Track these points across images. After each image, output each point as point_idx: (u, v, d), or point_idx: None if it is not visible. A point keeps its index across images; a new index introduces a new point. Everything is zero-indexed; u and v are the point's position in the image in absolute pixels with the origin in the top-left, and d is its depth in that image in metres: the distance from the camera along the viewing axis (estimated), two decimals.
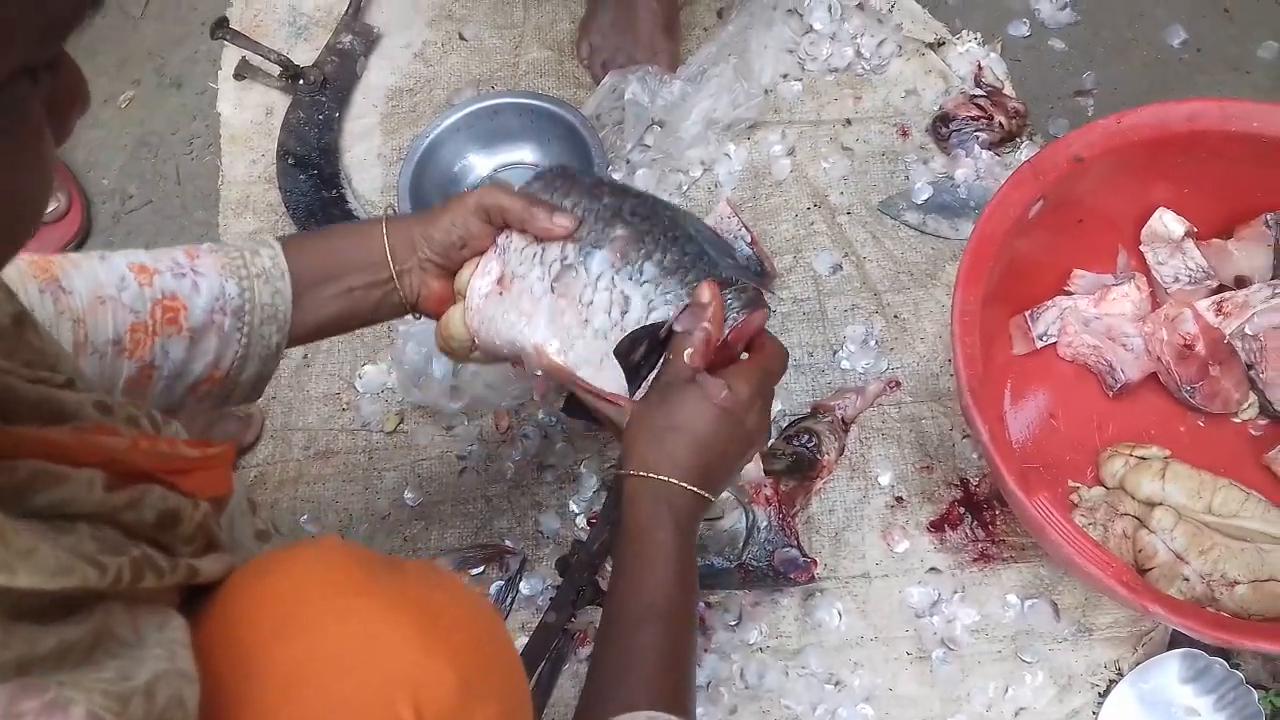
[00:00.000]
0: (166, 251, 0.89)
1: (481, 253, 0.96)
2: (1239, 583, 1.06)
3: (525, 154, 1.46)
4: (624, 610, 0.83)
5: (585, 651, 1.18)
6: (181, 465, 0.67)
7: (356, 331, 1.37)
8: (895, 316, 1.33)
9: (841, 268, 1.36)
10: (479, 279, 0.94)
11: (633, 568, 0.85)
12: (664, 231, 0.94)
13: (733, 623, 1.19)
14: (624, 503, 0.87)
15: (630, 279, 0.92)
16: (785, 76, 1.48)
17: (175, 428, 0.75)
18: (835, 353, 1.31)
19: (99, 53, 1.60)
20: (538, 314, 0.93)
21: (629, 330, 0.91)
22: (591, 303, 0.92)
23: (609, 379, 0.91)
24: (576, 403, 1.27)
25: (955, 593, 1.18)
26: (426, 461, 1.31)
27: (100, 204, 1.51)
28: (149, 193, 1.52)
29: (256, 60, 1.54)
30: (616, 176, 1.42)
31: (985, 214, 1.12)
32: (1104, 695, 1.12)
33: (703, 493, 0.86)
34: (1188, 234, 1.24)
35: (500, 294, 0.94)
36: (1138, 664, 1.12)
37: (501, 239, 0.95)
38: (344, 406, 1.35)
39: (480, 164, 1.45)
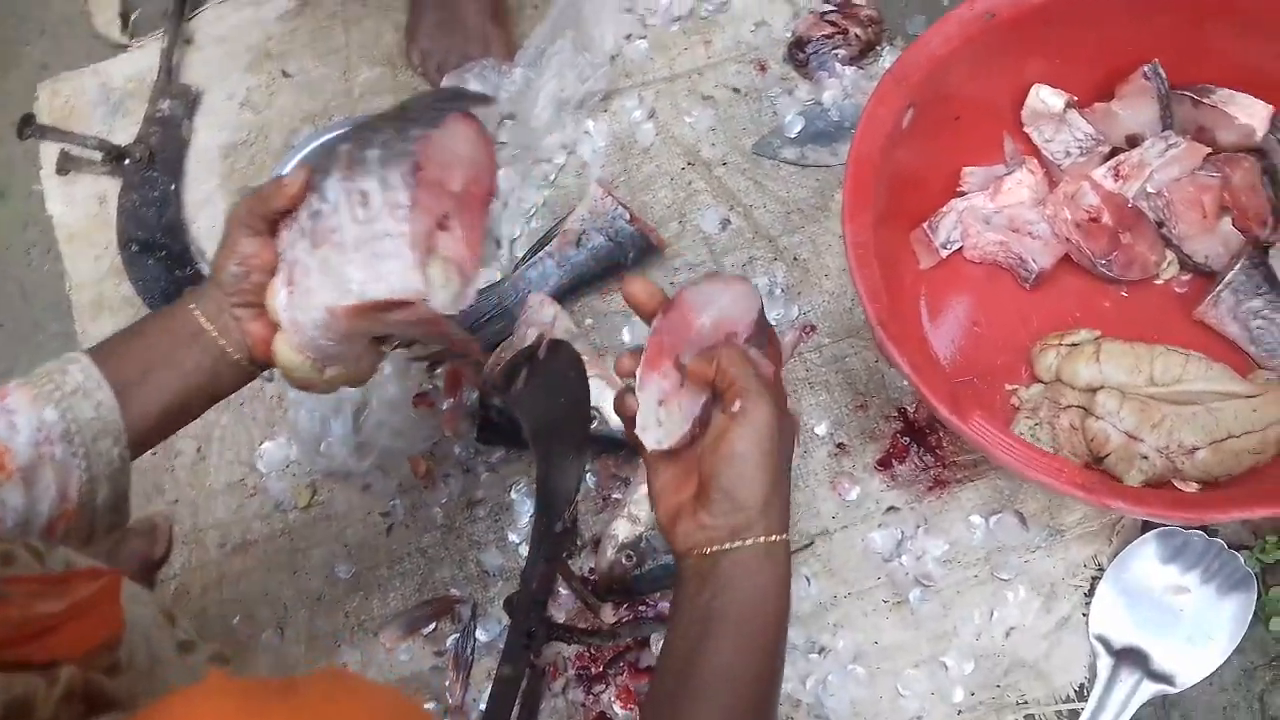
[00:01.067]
0: None
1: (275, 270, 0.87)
2: (1198, 448, 1.02)
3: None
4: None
5: (559, 684, 1.12)
6: (41, 626, 0.60)
7: (247, 412, 1.30)
8: (795, 259, 1.27)
9: (730, 222, 1.30)
10: (273, 293, 0.85)
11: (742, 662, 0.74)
12: (380, 119, 0.86)
13: None
14: (700, 585, 0.75)
15: (361, 175, 0.82)
16: (629, 37, 1.41)
17: (62, 554, 0.72)
18: None
19: None
20: (314, 280, 0.83)
21: (377, 222, 0.80)
22: (340, 226, 0.81)
23: (393, 282, 0.80)
24: (492, 428, 1.20)
25: (918, 527, 1.13)
26: (350, 528, 1.23)
27: None
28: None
29: (76, 150, 1.44)
30: None
31: (856, 136, 1.06)
32: (1089, 594, 1.08)
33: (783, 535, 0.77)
34: (1069, 105, 1.18)
35: (292, 292, 0.84)
36: (1115, 555, 1.08)
37: (278, 242, 0.87)
38: (251, 492, 1.27)
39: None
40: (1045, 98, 1.19)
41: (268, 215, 0.85)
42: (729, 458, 0.74)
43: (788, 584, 0.76)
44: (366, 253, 0.80)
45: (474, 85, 1.34)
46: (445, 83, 1.36)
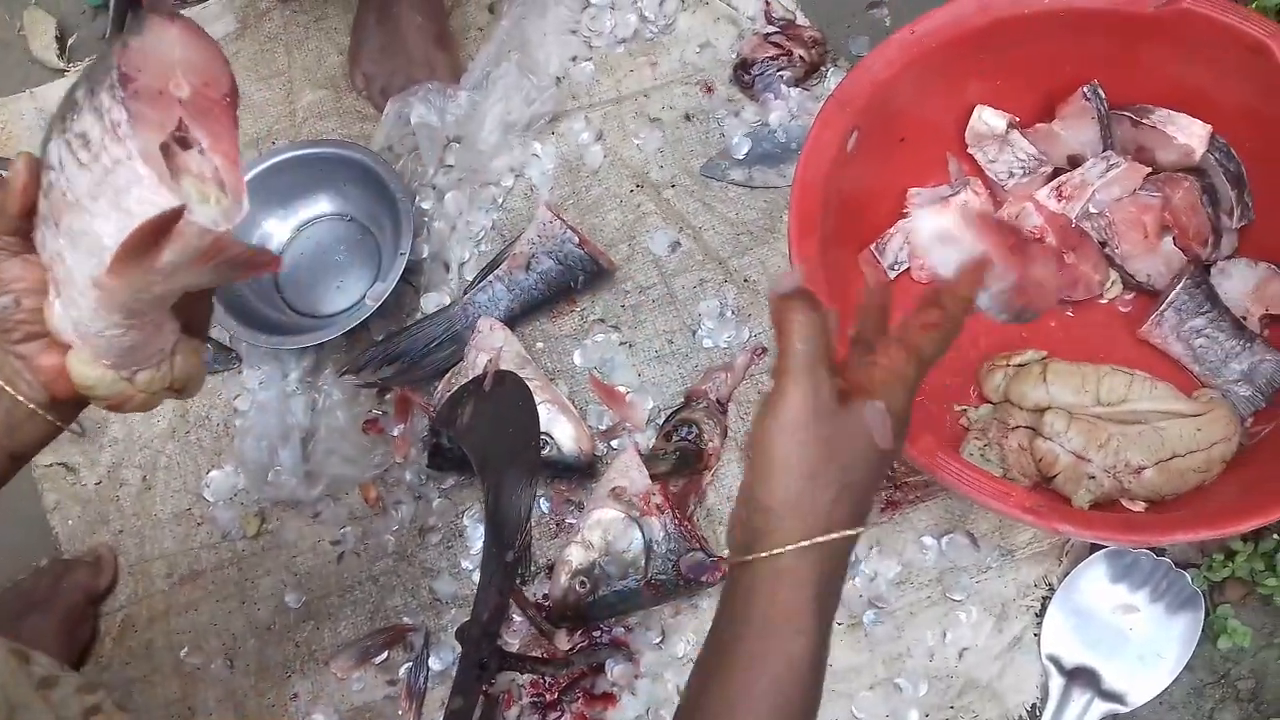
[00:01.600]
0: None
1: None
2: (1144, 468, 1.03)
3: (323, 205, 1.36)
4: None
5: (513, 713, 1.11)
6: None
7: (193, 439, 1.28)
8: (745, 280, 1.27)
9: (680, 244, 1.30)
10: (49, 310, 0.73)
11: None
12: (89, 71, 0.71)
13: (657, 640, 1.13)
14: (721, 608, 0.68)
15: (74, 119, 0.68)
16: (574, 59, 1.40)
17: None
18: (694, 333, 1.25)
19: None
20: (71, 261, 0.70)
21: (103, 155, 0.67)
22: (70, 181, 0.67)
23: (145, 209, 0.65)
24: (443, 455, 1.19)
25: (871, 548, 1.13)
26: (300, 557, 1.22)
27: None
28: None
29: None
30: (425, 205, 1.33)
31: (801, 160, 1.06)
32: (1041, 614, 1.09)
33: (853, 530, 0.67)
34: (1011, 126, 1.20)
35: (60, 294, 0.72)
36: (1065, 575, 1.09)
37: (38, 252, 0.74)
38: (199, 521, 1.25)
39: (279, 229, 1.35)
40: (988, 119, 1.20)
41: (10, 227, 0.71)
42: (752, 446, 0.66)
43: (818, 611, 0.65)
44: (107, 197, 0.67)
45: (419, 108, 1.33)
46: (389, 107, 1.35)
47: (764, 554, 0.64)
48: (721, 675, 0.65)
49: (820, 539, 0.64)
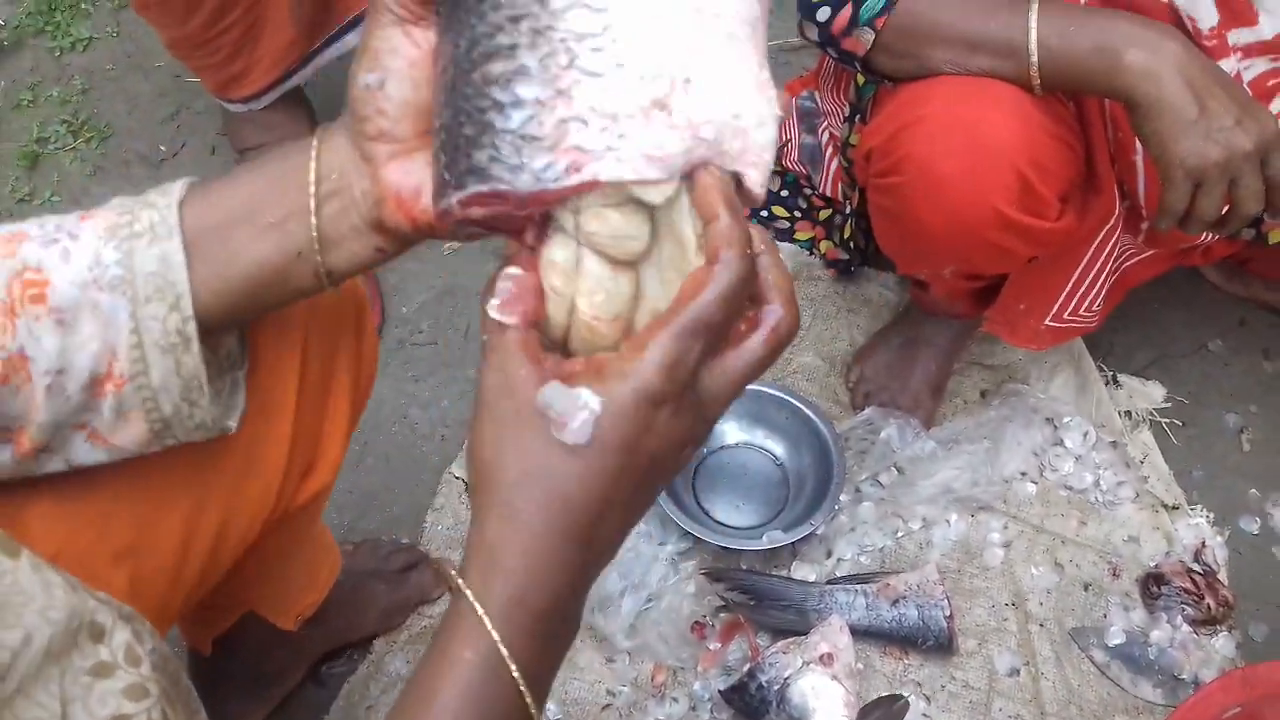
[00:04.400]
0: (57, 217, 0.68)
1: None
2: None
3: (777, 448, 1.57)
4: None
5: None
6: None
7: None
8: None
9: (1019, 673, 1.41)
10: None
11: None
12: None
13: None
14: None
15: None
16: (1023, 474, 1.57)
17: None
18: None
19: None
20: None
21: None
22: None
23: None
24: (742, 697, 1.32)
25: None
26: (578, 683, 1.37)
27: (392, 327, 1.66)
28: (436, 334, 1.67)
29: None
30: (844, 499, 1.51)
31: (1189, 703, 1.17)
32: None
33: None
34: None
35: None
36: None
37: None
38: None
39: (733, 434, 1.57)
40: None
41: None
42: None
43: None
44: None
45: (892, 430, 1.53)
46: (867, 412, 1.56)
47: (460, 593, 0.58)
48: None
49: None
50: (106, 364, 0.67)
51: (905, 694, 1.37)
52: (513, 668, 0.54)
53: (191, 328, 0.66)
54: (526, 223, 0.56)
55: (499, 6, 0.52)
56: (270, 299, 0.69)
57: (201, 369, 0.68)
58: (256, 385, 0.79)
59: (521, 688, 0.54)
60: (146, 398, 0.68)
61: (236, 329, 0.76)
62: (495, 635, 0.53)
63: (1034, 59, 1.08)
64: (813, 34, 1.19)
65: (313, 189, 0.64)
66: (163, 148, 1.88)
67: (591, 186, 0.52)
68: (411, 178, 0.62)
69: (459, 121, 0.54)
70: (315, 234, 0.65)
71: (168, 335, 0.66)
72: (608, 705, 1.36)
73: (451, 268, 1.73)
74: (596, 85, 0.52)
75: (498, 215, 0.54)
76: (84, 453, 0.70)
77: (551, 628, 0.56)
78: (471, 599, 0.54)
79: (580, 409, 0.53)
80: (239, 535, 0.87)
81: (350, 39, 1.65)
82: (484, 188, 0.53)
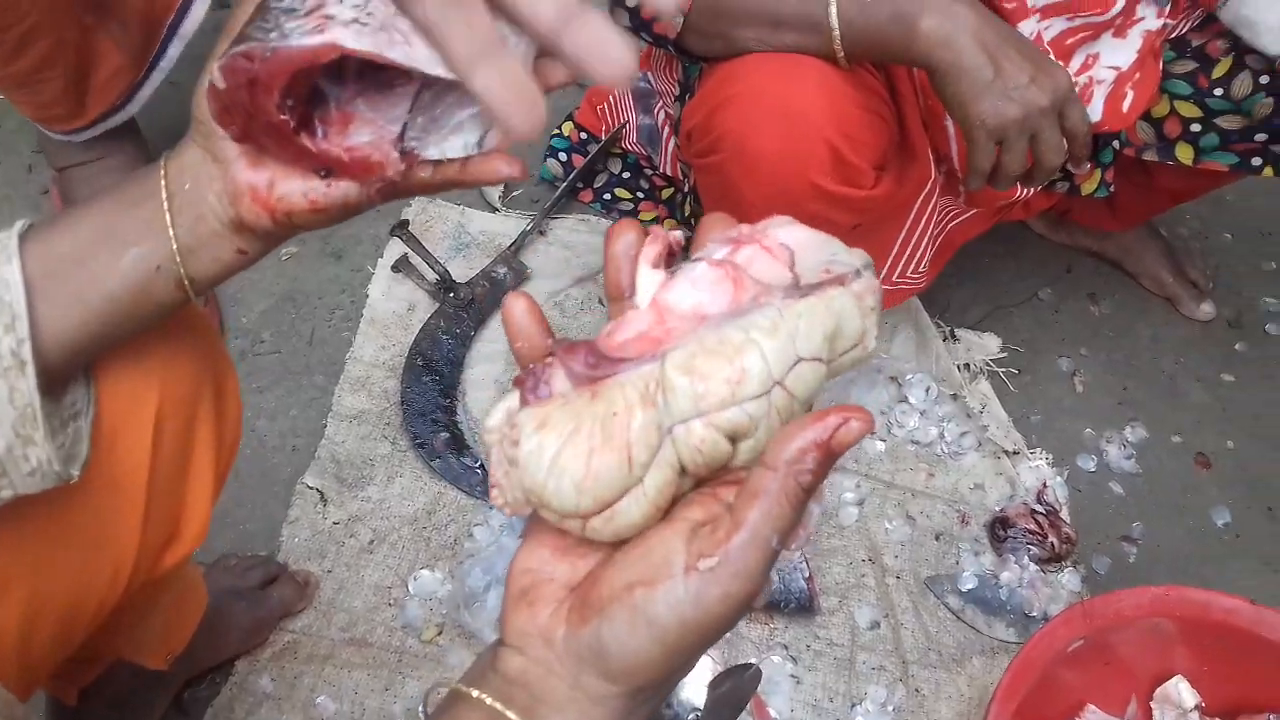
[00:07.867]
0: None
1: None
2: None
3: None
4: None
5: None
6: None
7: (425, 534, 1.46)
8: (916, 690, 1.41)
9: (879, 626, 1.46)
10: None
11: None
12: None
13: None
14: None
15: None
16: (872, 434, 1.62)
17: None
18: (854, 706, 1.39)
19: None
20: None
21: None
22: None
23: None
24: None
25: None
26: (454, 680, 1.36)
27: (233, 339, 1.62)
28: (280, 343, 1.63)
29: (417, 260, 1.68)
30: None
31: (1033, 640, 1.22)
32: None
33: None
34: (1196, 707, 1.33)
35: None
36: None
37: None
38: (391, 602, 1.41)
39: None
40: (1182, 690, 1.33)
41: None
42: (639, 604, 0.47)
43: None
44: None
45: None
46: None
47: None
48: None
49: None
50: None
51: (771, 658, 1.41)
52: None
53: (27, 350, 0.63)
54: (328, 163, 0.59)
55: None
56: (134, 318, 0.67)
57: (37, 397, 0.64)
58: (106, 458, 0.76)
59: None
60: None
61: (83, 374, 0.73)
62: None
63: (836, 32, 1.10)
64: (624, 20, 1.20)
65: (166, 204, 0.64)
66: None
67: (332, 50, 0.53)
68: (264, 171, 0.61)
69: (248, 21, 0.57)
70: (175, 245, 0.64)
71: (1, 358, 0.63)
72: None
73: (290, 274, 1.70)
74: None
75: (255, 81, 0.55)
76: None
77: None
78: None
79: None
80: (90, 613, 0.82)
81: (172, 51, 1.58)
82: (238, 48, 0.55)
